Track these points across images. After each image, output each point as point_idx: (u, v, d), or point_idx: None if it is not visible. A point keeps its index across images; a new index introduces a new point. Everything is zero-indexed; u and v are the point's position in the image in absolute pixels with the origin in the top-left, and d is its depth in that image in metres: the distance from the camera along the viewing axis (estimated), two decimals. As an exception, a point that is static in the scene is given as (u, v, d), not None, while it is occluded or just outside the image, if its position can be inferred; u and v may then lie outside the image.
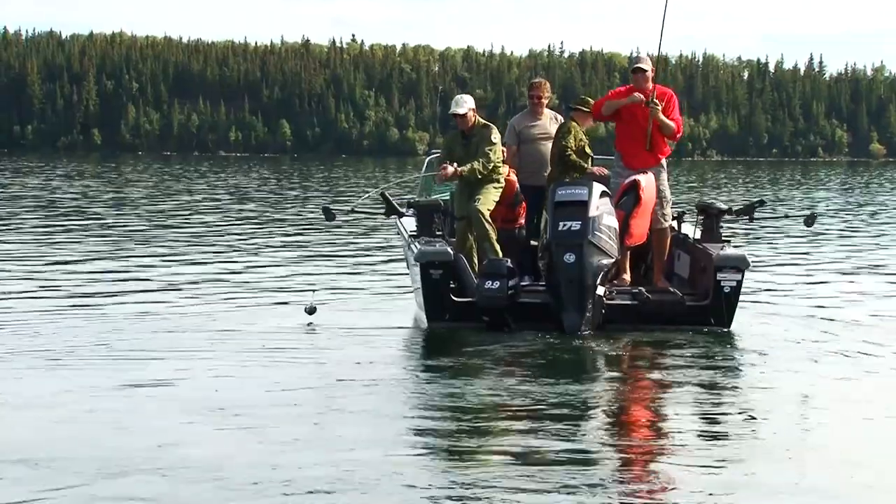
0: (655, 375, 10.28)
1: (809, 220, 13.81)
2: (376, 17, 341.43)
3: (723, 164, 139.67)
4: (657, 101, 12.91)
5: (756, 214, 13.76)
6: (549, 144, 13.09)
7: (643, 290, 12.49)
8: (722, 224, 13.18)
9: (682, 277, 13.38)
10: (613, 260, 12.20)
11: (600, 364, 10.88)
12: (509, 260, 12.21)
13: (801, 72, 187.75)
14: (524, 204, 13.43)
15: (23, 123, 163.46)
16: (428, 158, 15.87)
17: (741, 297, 12.44)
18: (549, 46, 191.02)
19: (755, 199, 14.45)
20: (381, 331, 12.38)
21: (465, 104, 13.07)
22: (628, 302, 12.40)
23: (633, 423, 8.83)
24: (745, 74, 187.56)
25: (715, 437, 8.19)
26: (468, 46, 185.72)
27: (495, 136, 12.94)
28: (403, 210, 14.20)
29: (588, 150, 12.83)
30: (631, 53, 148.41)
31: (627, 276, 12.89)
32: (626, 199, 12.58)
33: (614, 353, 11.20)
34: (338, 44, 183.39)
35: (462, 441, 7.80)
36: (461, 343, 11.43)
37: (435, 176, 13.45)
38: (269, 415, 8.45)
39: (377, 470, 7.06)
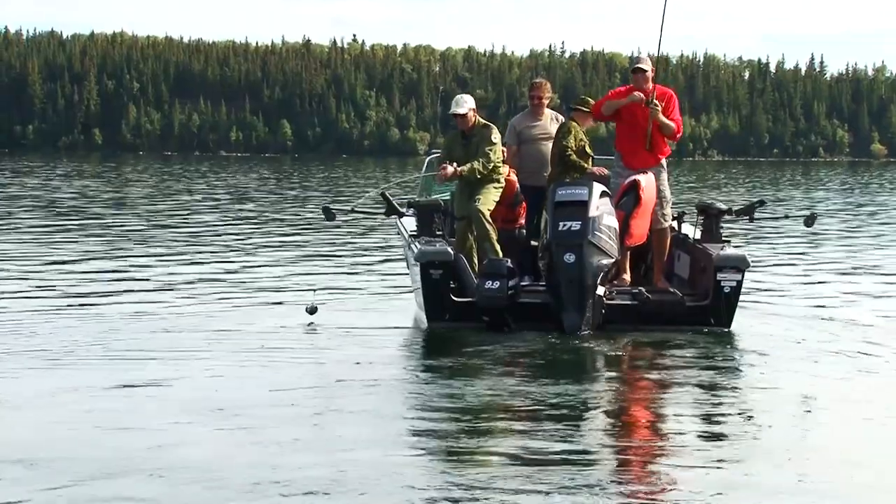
0: (655, 376, 10.27)
1: (809, 221, 13.81)
2: (377, 17, 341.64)
3: (724, 164, 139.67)
4: (657, 102, 12.91)
5: (756, 215, 13.76)
6: (550, 145, 13.09)
7: (643, 290, 12.48)
8: (722, 224, 13.17)
9: (682, 278, 13.38)
10: (613, 260, 12.19)
11: (600, 364, 10.88)
12: (509, 260, 12.21)
13: (802, 72, 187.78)
14: (524, 204, 13.43)
15: (24, 123, 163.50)
16: (428, 158, 15.87)
17: (741, 298, 12.44)
18: (550, 46, 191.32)
19: (755, 200, 14.44)
20: (381, 331, 12.38)
21: (465, 104, 13.07)
22: (628, 302, 12.40)
23: (633, 423, 8.83)
24: (746, 74, 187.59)
25: (715, 437, 8.18)
26: (469, 46, 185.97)
27: (495, 136, 12.94)
28: (403, 210, 14.19)
29: (588, 150, 12.83)
30: (632, 53, 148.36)
31: (627, 277, 12.88)
32: (627, 200, 12.58)
33: (614, 354, 11.19)
34: (339, 44, 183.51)
35: (462, 441, 7.79)
36: (461, 343, 11.43)
37: (435, 176, 13.44)
38: (269, 415, 8.44)
39: (377, 470, 7.05)
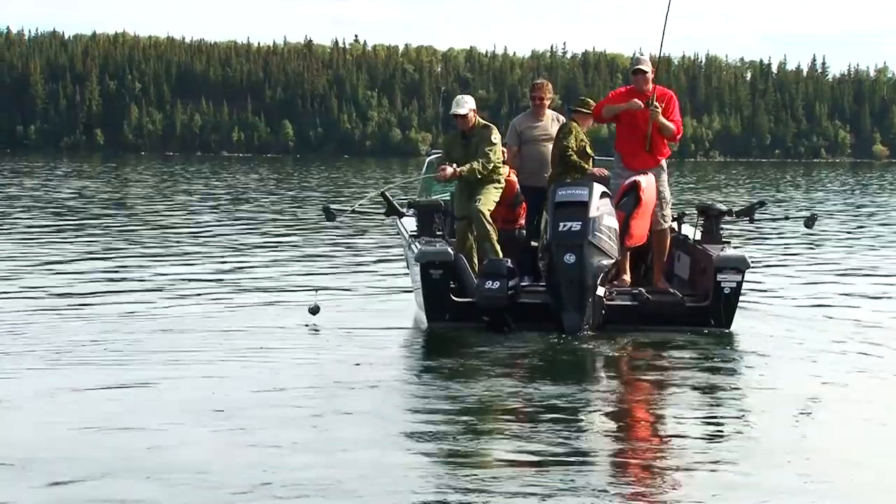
0: (655, 376, 10.26)
1: (810, 222, 13.81)
2: (377, 17, 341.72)
3: (725, 164, 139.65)
4: (657, 104, 12.90)
5: (756, 216, 13.76)
6: (551, 145, 13.09)
7: (643, 290, 12.48)
8: (722, 225, 13.18)
9: (682, 278, 13.38)
10: (613, 260, 12.19)
11: (600, 365, 10.87)
12: (509, 260, 12.20)
13: (804, 73, 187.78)
14: (524, 204, 13.43)
15: (25, 123, 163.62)
16: (428, 159, 15.86)
17: (741, 299, 12.44)
18: (551, 47, 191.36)
19: (755, 201, 14.44)
20: (381, 331, 12.38)
21: (465, 104, 13.07)
22: (628, 303, 12.39)
23: (633, 424, 8.82)
24: (748, 75, 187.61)
25: (715, 437, 8.18)
26: (471, 47, 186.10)
27: (495, 136, 12.94)
28: (404, 210, 14.19)
29: (589, 150, 12.83)
30: (633, 54, 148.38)
31: (627, 277, 12.88)
32: (627, 200, 12.58)
33: (614, 354, 11.19)
34: (340, 44, 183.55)
35: (461, 442, 7.79)
36: (461, 343, 11.42)
37: (434, 176, 13.45)
38: (268, 415, 8.44)
39: (376, 471, 7.05)
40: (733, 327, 12.29)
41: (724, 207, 13.38)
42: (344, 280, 16.76)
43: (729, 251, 12.51)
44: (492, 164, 12.83)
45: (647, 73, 13.04)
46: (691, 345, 11.60)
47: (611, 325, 12.09)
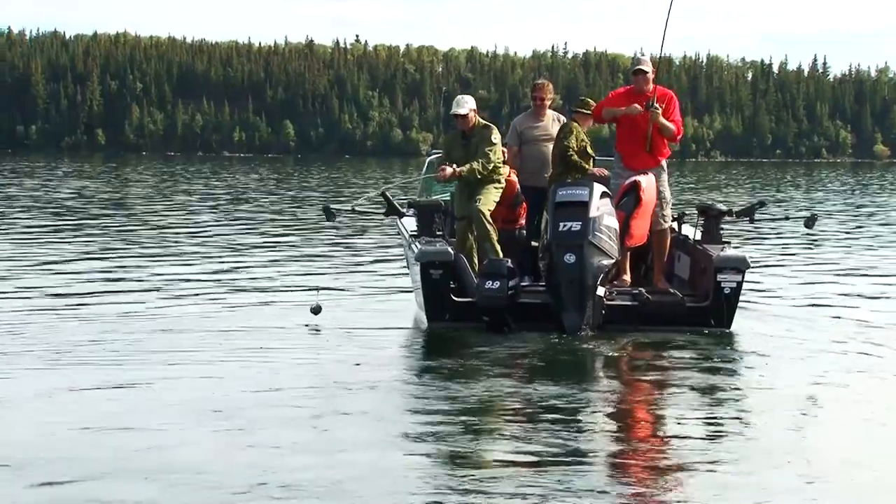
0: (655, 376, 10.26)
1: (810, 222, 13.80)
2: (378, 17, 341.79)
3: (726, 165, 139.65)
4: (658, 105, 12.89)
5: (756, 216, 13.75)
6: (551, 146, 13.09)
7: (643, 291, 12.48)
8: (722, 225, 13.17)
9: (682, 278, 13.37)
10: (614, 261, 12.18)
11: (600, 365, 10.87)
12: (509, 260, 12.20)
13: (805, 73, 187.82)
14: (525, 205, 13.43)
15: (26, 123, 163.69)
16: (429, 159, 15.87)
17: (741, 299, 12.43)
18: (552, 47, 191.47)
19: (756, 201, 14.44)
20: (381, 331, 12.37)
21: (465, 105, 13.06)
22: (628, 303, 12.39)
23: (633, 424, 8.82)
24: (749, 75, 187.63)
25: (715, 437, 8.17)
26: (472, 47, 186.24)
27: (495, 136, 12.94)
28: (404, 210, 14.18)
29: (590, 150, 12.83)
30: (634, 54, 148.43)
31: (627, 277, 12.88)
32: (627, 200, 12.57)
33: (614, 354, 11.18)
34: (342, 44, 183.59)
35: (461, 443, 7.78)
36: (461, 343, 11.42)
37: (434, 176, 13.45)
38: (268, 416, 8.43)
39: (376, 472, 7.04)
40: (733, 327, 12.28)
41: (724, 207, 13.37)
42: (344, 280, 16.75)
43: (729, 251, 12.51)
44: (491, 164, 12.82)
45: (647, 73, 13.04)
46: (691, 345, 11.59)
47: (611, 325, 12.08)
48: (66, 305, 13.79)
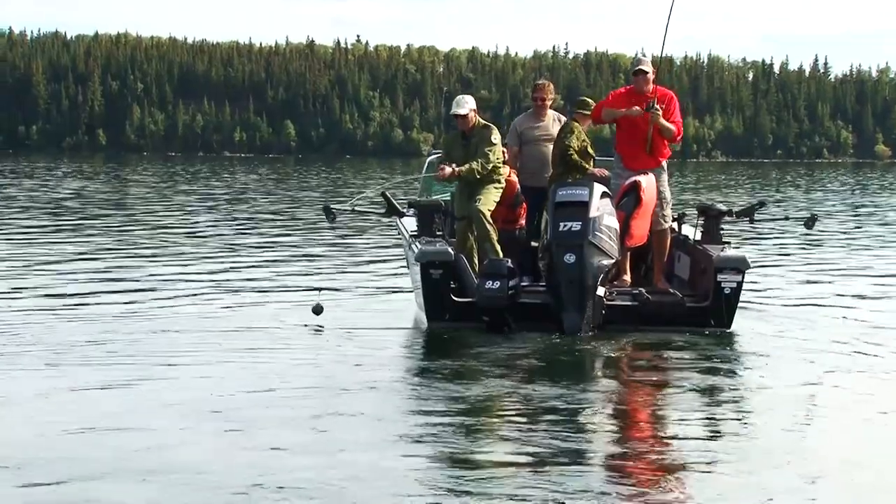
0: (655, 377, 10.26)
1: (810, 222, 13.80)
2: (379, 17, 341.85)
3: (727, 165, 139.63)
4: (658, 107, 12.88)
5: (756, 216, 13.75)
6: (551, 146, 13.08)
7: (643, 291, 12.47)
8: (722, 226, 13.16)
9: (682, 279, 13.37)
10: (614, 261, 12.18)
11: (600, 365, 10.86)
12: (510, 260, 12.19)
13: (806, 73, 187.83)
14: (525, 205, 13.43)
15: (28, 124, 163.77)
16: (429, 159, 15.87)
17: (741, 299, 12.42)
18: (553, 47, 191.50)
19: (756, 201, 14.44)
20: (381, 331, 12.36)
21: (465, 105, 13.06)
22: (628, 303, 12.38)
23: (633, 424, 8.81)
24: (750, 76, 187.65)
25: (715, 437, 8.17)
26: (473, 47, 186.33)
27: (495, 136, 12.93)
28: (404, 210, 14.18)
29: (591, 150, 12.83)
30: (635, 54, 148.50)
31: (628, 277, 12.87)
32: (627, 200, 12.57)
33: (614, 354, 11.17)
34: (342, 44, 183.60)
35: (461, 443, 7.77)
36: (461, 343, 11.41)
37: (434, 176, 13.44)
38: (267, 416, 8.42)
39: (376, 472, 7.03)
40: (733, 327, 12.28)
41: (724, 208, 13.37)
42: (344, 280, 16.74)
43: (729, 251, 12.50)
44: (491, 165, 12.82)
45: (647, 73, 13.03)
46: (691, 345, 11.58)
47: (611, 325, 12.08)
48: (65, 305, 13.78)
